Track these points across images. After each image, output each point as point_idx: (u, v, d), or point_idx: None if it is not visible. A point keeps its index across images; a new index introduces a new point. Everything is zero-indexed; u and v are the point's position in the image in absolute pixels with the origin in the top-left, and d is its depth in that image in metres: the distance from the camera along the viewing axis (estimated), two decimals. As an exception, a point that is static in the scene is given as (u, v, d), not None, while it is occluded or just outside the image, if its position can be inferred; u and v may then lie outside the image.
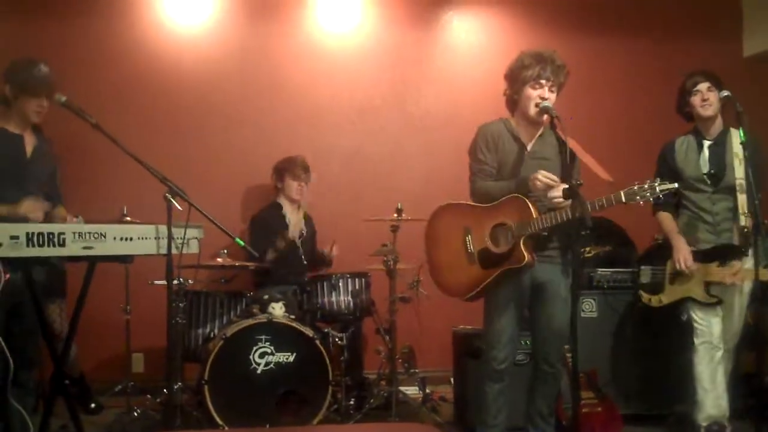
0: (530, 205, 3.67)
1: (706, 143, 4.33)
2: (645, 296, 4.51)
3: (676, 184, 3.54)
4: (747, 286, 4.21)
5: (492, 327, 3.88)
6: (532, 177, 3.64)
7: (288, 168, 5.40)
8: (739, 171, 4.13)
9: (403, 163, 6.17)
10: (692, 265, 4.22)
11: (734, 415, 4.30)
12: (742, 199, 4.12)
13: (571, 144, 3.69)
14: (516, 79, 3.83)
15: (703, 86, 4.25)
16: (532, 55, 3.79)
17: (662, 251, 4.43)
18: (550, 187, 3.61)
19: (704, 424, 4.27)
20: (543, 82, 3.74)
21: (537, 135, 3.88)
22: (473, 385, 4.62)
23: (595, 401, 4.45)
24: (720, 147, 4.28)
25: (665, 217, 4.41)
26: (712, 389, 4.24)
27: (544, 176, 3.60)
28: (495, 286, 3.79)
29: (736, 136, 4.15)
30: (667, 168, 4.38)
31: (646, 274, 4.51)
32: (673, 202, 4.41)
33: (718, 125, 4.32)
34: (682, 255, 4.26)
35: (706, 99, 4.23)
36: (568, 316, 3.76)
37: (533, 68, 3.75)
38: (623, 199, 3.47)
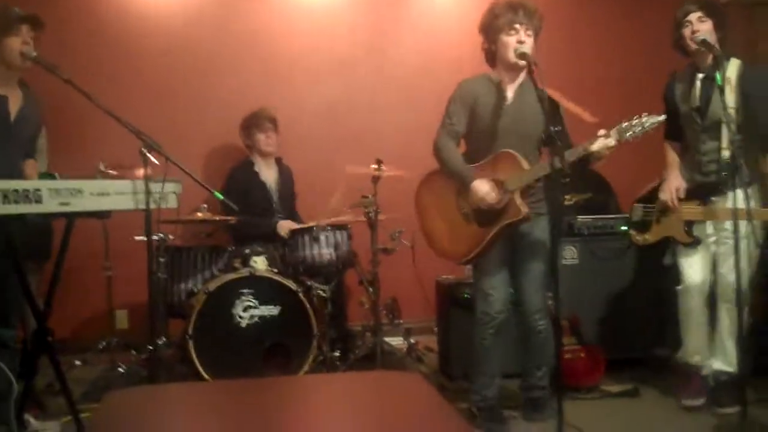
0: (520, 159, 3.69)
1: (699, 76, 4.10)
2: (633, 235, 4.44)
3: (662, 117, 3.48)
4: (743, 228, 3.73)
5: (487, 278, 3.88)
6: (474, 193, 3.72)
7: (253, 122, 5.38)
8: (729, 102, 3.85)
9: (382, 113, 6.13)
10: (675, 199, 4.13)
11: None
12: (725, 131, 3.92)
13: (550, 92, 3.68)
14: (490, 29, 3.80)
15: (694, 16, 3.98)
16: (502, 4, 3.76)
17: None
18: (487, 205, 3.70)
19: (681, 364, 4.27)
20: (517, 26, 3.71)
21: (518, 85, 3.85)
22: (457, 334, 4.67)
23: (577, 347, 4.49)
24: (711, 80, 3.99)
25: (668, 148, 4.30)
26: (692, 338, 4.20)
27: (485, 195, 3.70)
28: (492, 243, 3.80)
29: (731, 67, 3.97)
30: (668, 108, 4.20)
31: (637, 211, 4.44)
32: (681, 132, 4.25)
33: (711, 58, 3.98)
34: (669, 187, 4.17)
35: (696, 31, 3.95)
36: (547, 265, 3.87)
37: (505, 15, 3.72)
38: (614, 137, 3.45)
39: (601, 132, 3.50)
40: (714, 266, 4.14)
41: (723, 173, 3.97)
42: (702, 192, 4.11)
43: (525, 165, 3.68)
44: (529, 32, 3.74)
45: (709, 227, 4.13)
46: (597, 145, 3.48)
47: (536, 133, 3.84)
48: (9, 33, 3.56)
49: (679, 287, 4.23)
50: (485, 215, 3.78)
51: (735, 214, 3.58)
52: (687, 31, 4.01)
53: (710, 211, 4.05)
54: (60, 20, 5.45)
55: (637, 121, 3.44)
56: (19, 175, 3.69)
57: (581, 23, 6.27)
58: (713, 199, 4.06)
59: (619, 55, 6.32)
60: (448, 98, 3.92)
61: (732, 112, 3.89)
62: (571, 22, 6.16)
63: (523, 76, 3.85)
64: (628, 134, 3.45)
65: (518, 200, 3.69)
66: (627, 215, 4.57)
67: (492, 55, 3.89)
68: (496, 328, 3.89)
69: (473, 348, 3.98)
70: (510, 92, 3.85)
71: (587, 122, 3.57)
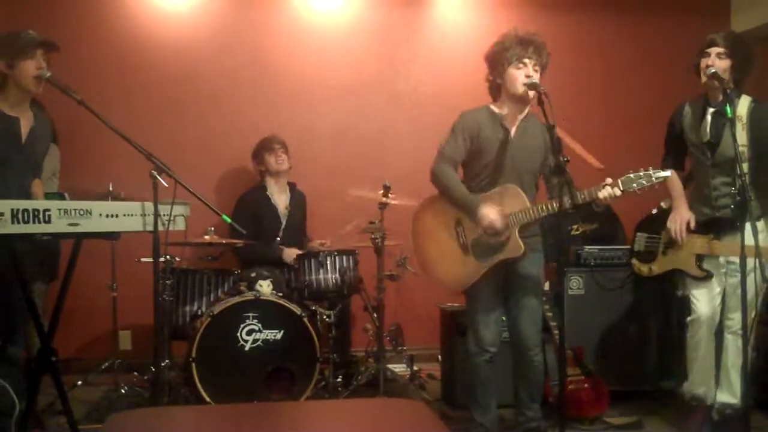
0: (524, 196, 3.74)
1: (710, 110, 4.08)
2: (637, 264, 4.42)
3: (668, 172, 3.56)
4: (751, 263, 3.73)
5: (480, 312, 3.92)
6: (484, 216, 3.71)
7: (262, 146, 5.44)
8: (740, 139, 3.87)
9: (390, 141, 6.15)
10: (684, 233, 4.10)
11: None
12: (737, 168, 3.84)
13: (558, 132, 3.69)
14: (498, 61, 3.83)
15: (714, 50, 3.97)
16: (512, 37, 3.80)
17: (662, 219, 4.27)
18: (495, 231, 3.72)
19: (687, 397, 4.23)
20: (526, 60, 3.76)
21: (520, 120, 3.89)
22: (460, 362, 4.65)
23: (581, 378, 4.47)
24: (723, 116, 3.93)
25: (672, 176, 4.21)
26: (699, 370, 4.16)
27: (495, 220, 3.70)
28: (487, 276, 3.83)
29: (742, 105, 3.97)
30: (674, 133, 4.23)
31: (640, 241, 4.42)
32: (681, 161, 4.28)
33: (722, 92, 3.95)
34: (678, 220, 4.14)
35: (711, 65, 3.94)
36: (542, 300, 3.93)
37: (514, 49, 3.76)
38: (620, 187, 3.52)
39: (609, 180, 3.56)
40: (723, 298, 4.12)
41: (733, 207, 3.94)
42: (715, 227, 4.08)
43: (528, 203, 3.73)
44: (537, 68, 3.78)
45: (722, 261, 4.10)
46: (603, 193, 3.54)
47: (535, 168, 3.91)
48: (24, 57, 3.56)
49: (689, 318, 4.20)
50: (483, 248, 3.81)
51: (742, 248, 3.58)
52: (703, 62, 4.00)
53: (723, 246, 4.03)
54: (72, 44, 5.49)
55: (644, 174, 3.51)
56: (28, 195, 3.70)
57: (588, 56, 6.30)
58: (726, 234, 4.03)
59: (627, 89, 6.34)
60: (451, 127, 3.93)
61: (743, 149, 3.90)
62: (577, 55, 6.20)
63: (526, 110, 3.89)
64: (634, 185, 3.52)
65: (518, 237, 3.73)
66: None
67: (497, 87, 3.91)
68: (489, 358, 3.92)
69: (471, 378, 4.01)
70: (513, 126, 3.88)
71: (593, 167, 3.59)
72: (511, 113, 3.87)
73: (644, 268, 4.38)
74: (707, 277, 4.11)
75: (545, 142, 3.82)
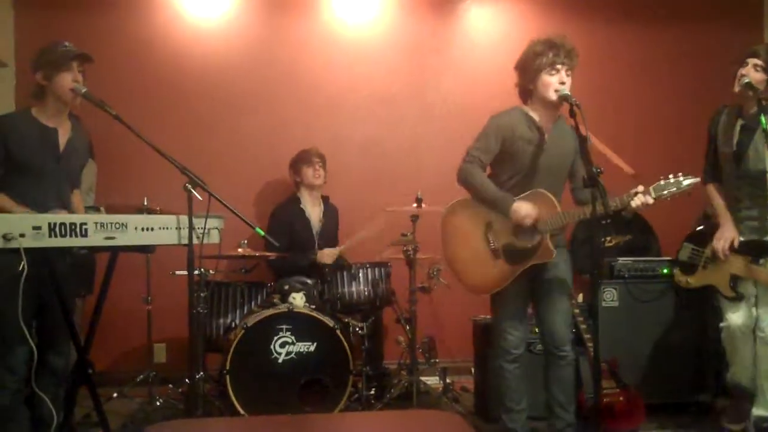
0: (555, 201, 3.73)
1: (740, 122, 4.06)
2: (677, 274, 4.42)
3: (698, 179, 3.55)
4: None
5: (506, 316, 3.91)
6: (517, 211, 3.71)
7: (301, 158, 5.47)
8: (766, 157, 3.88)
9: (422, 152, 6.16)
10: (727, 251, 4.08)
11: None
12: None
13: (590, 137, 3.68)
14: (529, 67, 3.81)
15: (752, 61, 3.96)
16: (543, 42, 3.78)
17: (710, 233, 4.25)
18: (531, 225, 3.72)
19: (730, 386, 4.23)
20: (559, 67, 3.74)
21: (553, 123, 3.88)
22: (494, 375, 4.63)
23: (616, 390, 4.42)
24: (751, 131, 3.96)
25: (713, 191, 4.25)
26: (739, 361, 4.15)
27: (529, 214, 3.70)
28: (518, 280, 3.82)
29: None
30: (711, 143, 4.23)
31: (685, 251, 4.41)
32: (721, 173, 4.24)
33: (755, 105, 3.96)
34: (724, 236, 4.11)
35: (745, 74, 3.94)
36: (571, 299, 3.89)
37: (546, 55, 3.74)
38: (653, 195, 3.52)
39: (640, 188, 3.56)
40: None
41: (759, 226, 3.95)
42: (752, 249, 4.04)
43: (559, 208, 3.72)
44: (569, 72, 3.77)
45: (751, 289, 4.07)
46: (636, 202, 3.54)
47: (565, 172, 3.92)
48: (61, 69, 3.62)
49: (721, 324, 4.21)
50: (514, 252, 3.79)
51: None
52: (740, 72, 3.99)
53: (761, 271, 3.98)
54: (105, 59, 5.56)
55: (674, 180, 3.52)
56: (68, 205, 3.75)
57: (620, 65, 6.28)
58: (762, 260, 4.00)
59: (659, 96, 6.30)
60: (483, 130, 3.91)
61: None
62: (610, 64, 6.18)
63: (558, 114, 3.89)
64: (665, 192, 3.53)
65: (549, 242, 3.72)
66: (669, 258, 4.53)
67: (528, 92, 3.89)
68: (517, 361, 3.91)
69: (498, 383, 3.98)
70: (546, 130, 3.86)
71: (624, 172, 3.57)
72: (544, 117, 3.86)
73: (683, 279, 4.37)
74: (738, 298, 4.10)
75: (575, 145, 3.84)
